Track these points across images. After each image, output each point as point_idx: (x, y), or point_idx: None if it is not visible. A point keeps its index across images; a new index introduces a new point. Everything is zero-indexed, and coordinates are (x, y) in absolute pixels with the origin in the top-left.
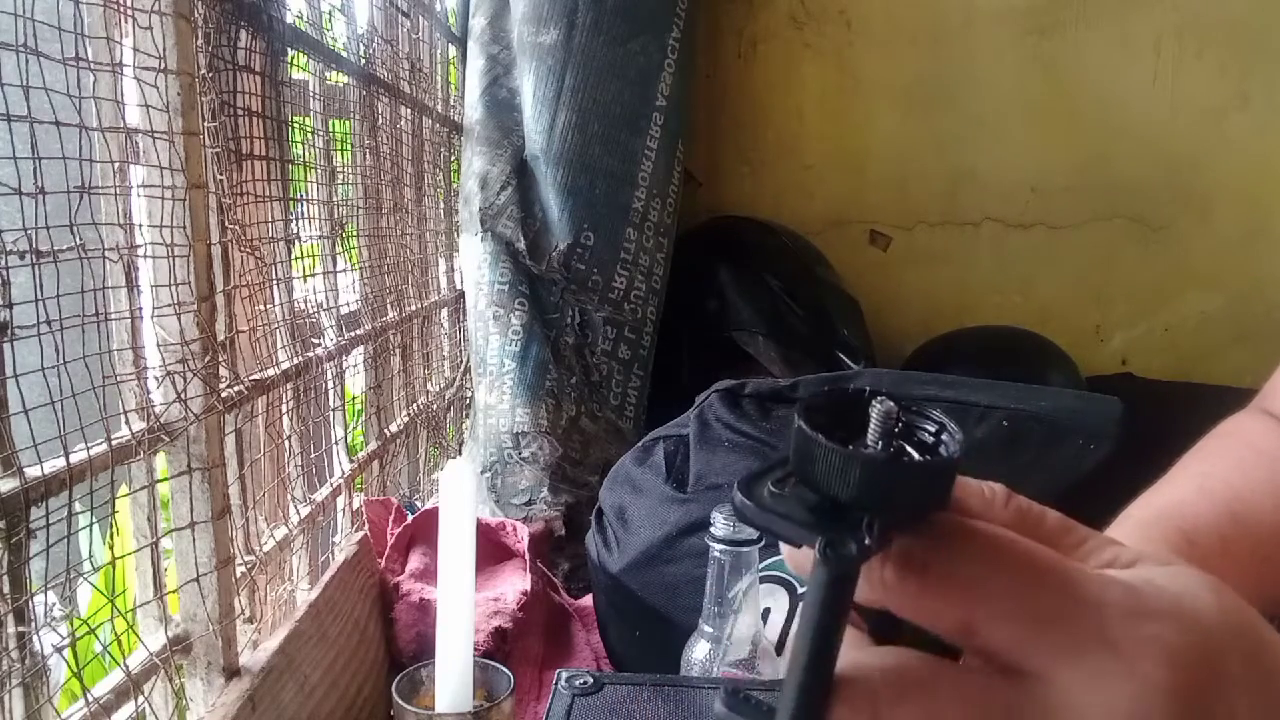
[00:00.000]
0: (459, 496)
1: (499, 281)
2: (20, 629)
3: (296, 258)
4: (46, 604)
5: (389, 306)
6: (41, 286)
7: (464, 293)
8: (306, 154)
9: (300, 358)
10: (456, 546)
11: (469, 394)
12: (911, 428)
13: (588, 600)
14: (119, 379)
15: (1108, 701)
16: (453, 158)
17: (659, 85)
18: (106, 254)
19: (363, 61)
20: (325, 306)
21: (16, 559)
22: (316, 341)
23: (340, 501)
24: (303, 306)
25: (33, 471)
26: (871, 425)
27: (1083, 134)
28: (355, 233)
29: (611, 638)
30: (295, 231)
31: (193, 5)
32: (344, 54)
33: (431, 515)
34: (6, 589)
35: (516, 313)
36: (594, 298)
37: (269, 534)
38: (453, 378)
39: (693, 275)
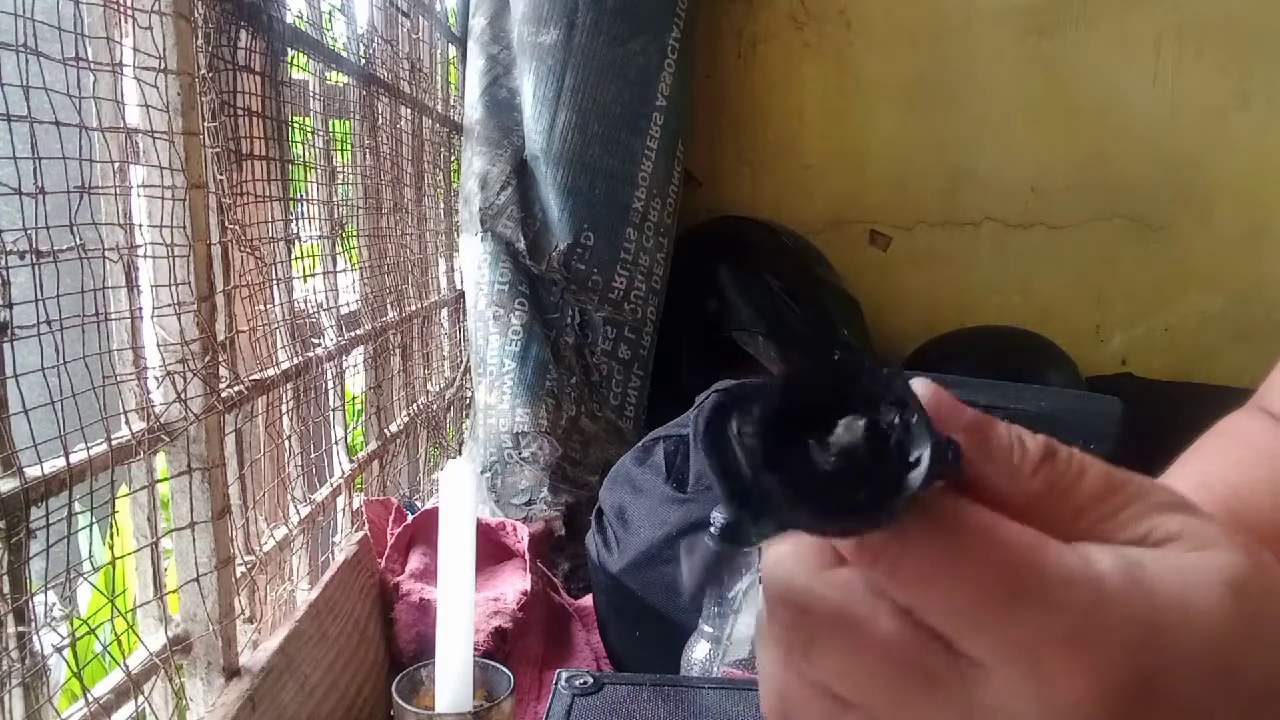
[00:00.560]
0: (459, 496)
1: (499, 281)
2: (20, 629)
3: (296, 258)
4: (46, 604)
5: (389, 306)
6: (41, 286)
7: (464, 293)
8: (306, 154)
9: (300, 358)
10: (456, 546)
11: (469, 394)
12: (882, 433)
13: (588, 600)
14: (119, 379)
15: (1020, 705)
16: (453, 158)
17: (659, 85)
18: (106, 254)
19: (363, 61)
20: (325, 306)
21: (16, 559)
22: (316, 341)
23: (340, 501)
24: (303, 306)
25: (33, 471)
26: (835, 433)
27: (1083, 134)
28: (355, 233)
29: (611, 638)
30: (295, 231)
31: (193, 5)
32: (344, 54)
33: (431, 515)
34: (6, 589)
35: (516, 313)
36: (594, 298)
37: (269, 534)
38: (453, 378)
39: (693, 275)
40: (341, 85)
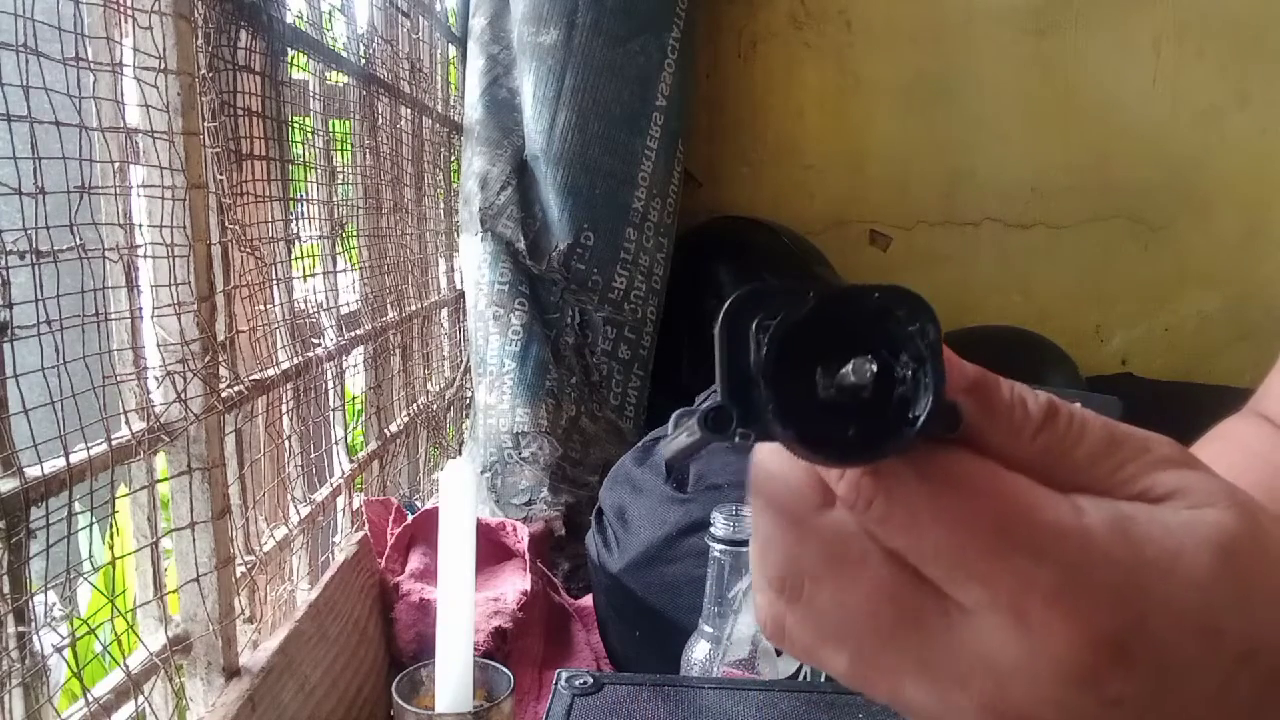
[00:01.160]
0: (459, 496)
1: (499, 281)
2: (20, 629)
3: (296, 258)
4: (46, 604)
5: (389, 306)
6: (41, 286)
7: (464, 293)
8: (306, 154)
9: (300, 358)
10: (456, 546)
11: (469, 394)
12: (893, 376)
13: (588, 600)
14: (119, 379)
15: (1001, 651)
16: (453, 158)
17: (659, 85)
18: (106, 254)
19: (363, 61)
20: (325, 306)
21: (16, 559)
22: (316, 341)
23: (340, 501)
24: (303, 306)
25: (33, 471)
26: (846, 367)
27: (1083, 134)
28: (355, 233)
29: (611, 638)
30: (295, 231)
31: (193, 5)
32: (344, 54)
33: (431, 515)
34: (6, 589)
35: (516, 313)
36: (594, 298)
37: (269, 534)
38: (453, 378)
39: (693, 275)
40: (341, 85)
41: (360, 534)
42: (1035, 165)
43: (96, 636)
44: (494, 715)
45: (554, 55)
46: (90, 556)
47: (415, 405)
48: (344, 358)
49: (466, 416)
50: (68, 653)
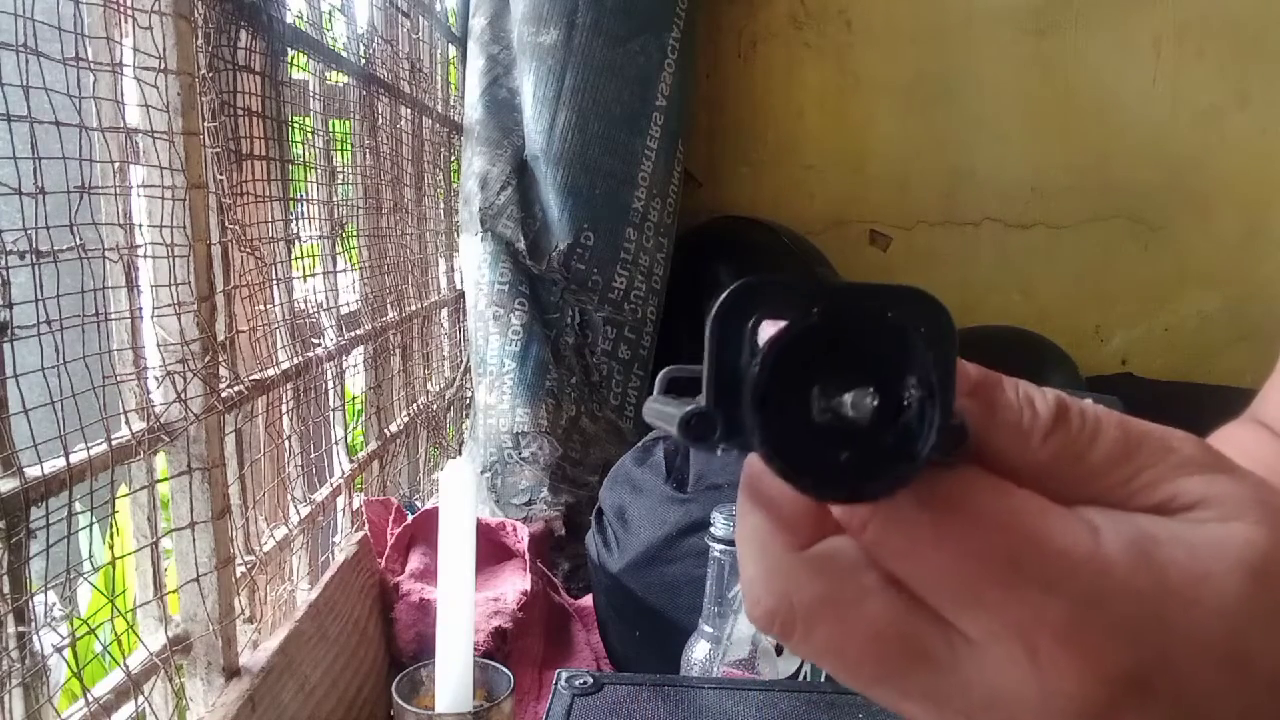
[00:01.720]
0: (459, 496)
1: (499, 281)
2: (20, 629)
3: (296, 258)
4: (46, 604)
5: (389, 306)
6: (41, 286)
7: (464, 293)
8: (306, 154)
9: (300, 358)
10: (456, 546)
11: (469, 394)
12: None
13: (588, 600)
14: (119, 379)
15: (1010, 688)
16: (453, 158)
17: (659, 85)
18: (106, 254)
19: (363, 61)
20: (325, 306)
21: (16, 559)
22: (316, 341)
23: (340, 501)
24: (303, 306)
25: (33, 471)
26: (846, 399)
27: (1083, 134)
28: (355, 233)
29: (611, 638)
30: (295, 231)
31: (193, 5)
32: (344, 54)
33: (431, 515)
34: (6, 589)
35: (516, 313)
36: (594, 298)
37: (269, 534)
38: (453, 378)
39: (693, 275)
40: (341, 85)
41: (360, 534)
42: (1035, 165)
43: (96, 636)
44: (494, 715)
45: (554, 55)
46: (90, 556)
47: (415, 405)
48: (344, 358)
49: (466, 416)
50: (68, 653)
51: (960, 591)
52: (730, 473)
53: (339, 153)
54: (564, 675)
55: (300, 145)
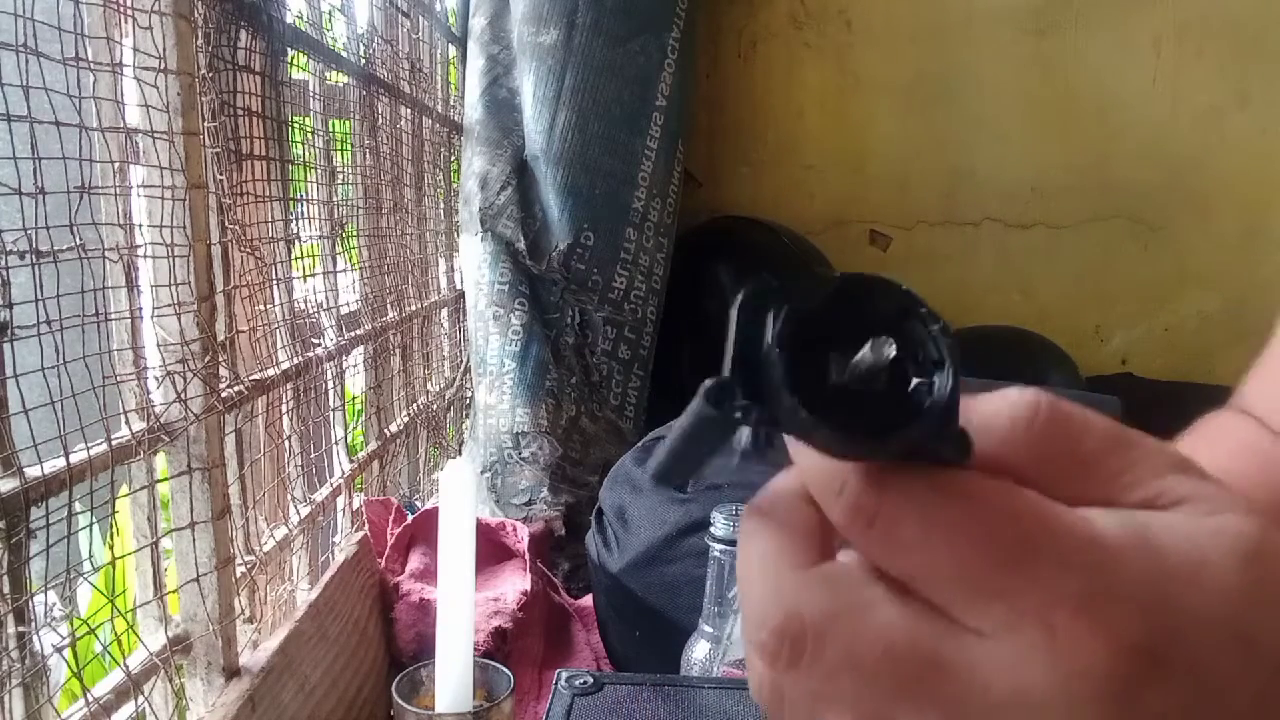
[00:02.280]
0: (459, 496)
1: (499, 281)
2: (20, 629)
3: (296, 258)
4: (46, 604)
5: (389, 306)
6: (41, 286)
7: (464, 293)
8: (306, 154)
9: (300, 358)
10: (456, 546)
11: (469, 394)
12: (906, 363)
13: (588, 600)
14: (119, 379)
15: (1029, 678)
16: (453, 158)
17: (659, 85)
18: (106, 254)
19: (363, 61)
20: (325, 306)
21: (16, 559)
22: (316, 341)
23: (340, 501)
24: (303, 306)
25: (33, 471)
26: (860, 354)
27: (1083, 134)
28: (355, 233)
29: (611, 638)
30: (295, 231)
31: (193, 5)
32: (344, 54)
33: (431, 515)
34: (6, 589)
35: (516, 313)
36: (594, 298)
37: (269, 534)
38: (453, 378)
39: (693, 275)
40: (341, 85)
41: (360, 534)
42: (1035, 165)
43: (96, 636)
44: (494, 715)
45: (554, 55)
46: (90, 556)
47: (415, 405)
48: (344, 358)
49: (466, 416)
50: (68, 653)
51: (972, 577)
52: (730, 473)
53: (339, 153)
54: (564, 675)
55: (300, 145)
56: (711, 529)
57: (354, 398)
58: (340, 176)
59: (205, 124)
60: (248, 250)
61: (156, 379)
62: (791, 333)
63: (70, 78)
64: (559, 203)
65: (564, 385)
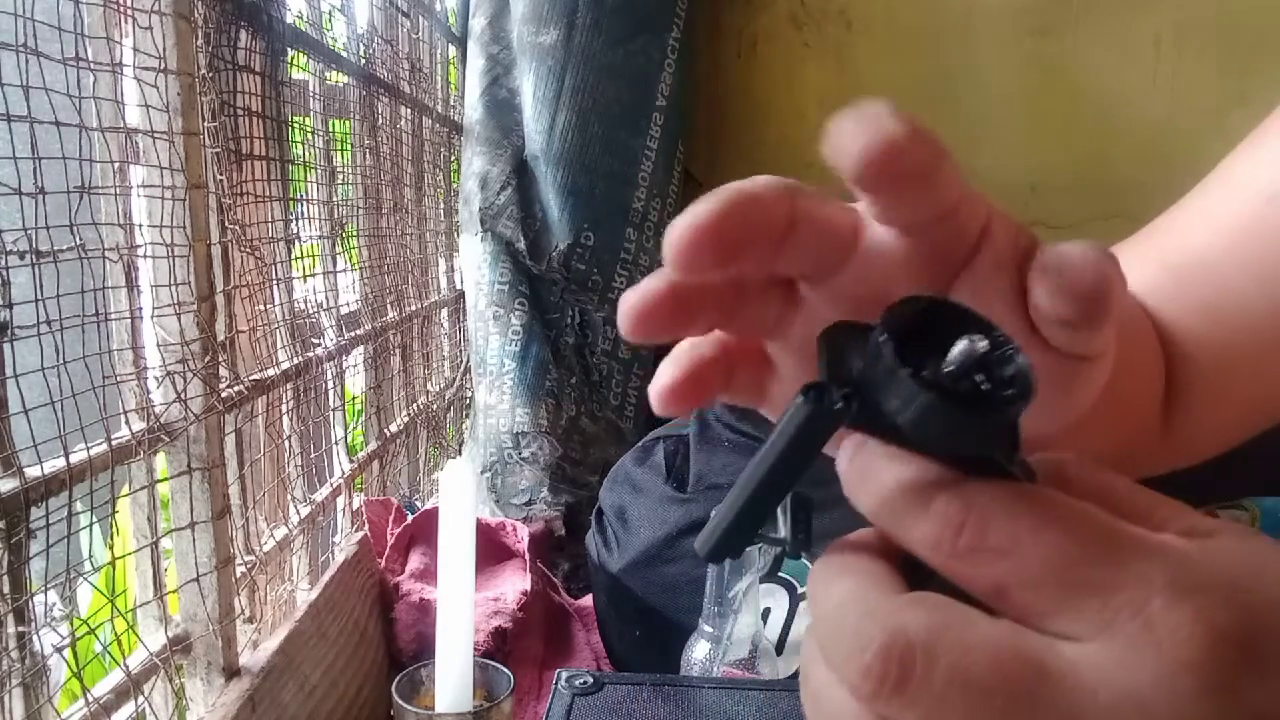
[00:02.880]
0: (459, 496)
1: (499, 281)
2: (20, 629)
3: (296, 258)
4: (46, 604)
5: (389, 306)
6: (41, 286)
7: (464, 293)
8: (306, 154)
9: (300, 358)
10: (456, 546)
11: (469, 394)
12: (990, 364)
13: (588, 600)
14: (119, 379)
15: (1134, 677)
16: (453, 158)
17: (659, 85)
18: (106, 254)
19: (363, 61)
20: (325, 306)
21: (16, 559)
22: (316, 341)
23: (340, 501)
24: (303, 306)
25: (33, 471)
26: (953, 352)
27: (1083, 134)
28: (355, 233)
29: (611, 638)
30: (295, 231)
31: (193, 5)
32: (344, 54)
33: (431, 515)
34: (6, 589)
35: (516, 313)
36: (594, 298)
37: (269, 534)
38: (453, 378)
39: None
40: (341, 85)
41: (360, 534)
42: (1035, 165)
43: (96, 636)
44: (494, 715)
45: (554, 55)
46: (90, 556)
47: (415, 405)
48: (344, 358)
49: (466, 416)
50: (68, 653)
51: (1065, 580)
52: (730, 473)
53: (339, 153)
54: (564, 675)
55: (300, 145)
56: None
57: (354, 398)
58: (340, 176)
59: (205, 124)
60: (248, 250)
61: (156, 379)
62: (895, 327)
63: (70, 78)
64: (559, 203)
65: (564, 385)
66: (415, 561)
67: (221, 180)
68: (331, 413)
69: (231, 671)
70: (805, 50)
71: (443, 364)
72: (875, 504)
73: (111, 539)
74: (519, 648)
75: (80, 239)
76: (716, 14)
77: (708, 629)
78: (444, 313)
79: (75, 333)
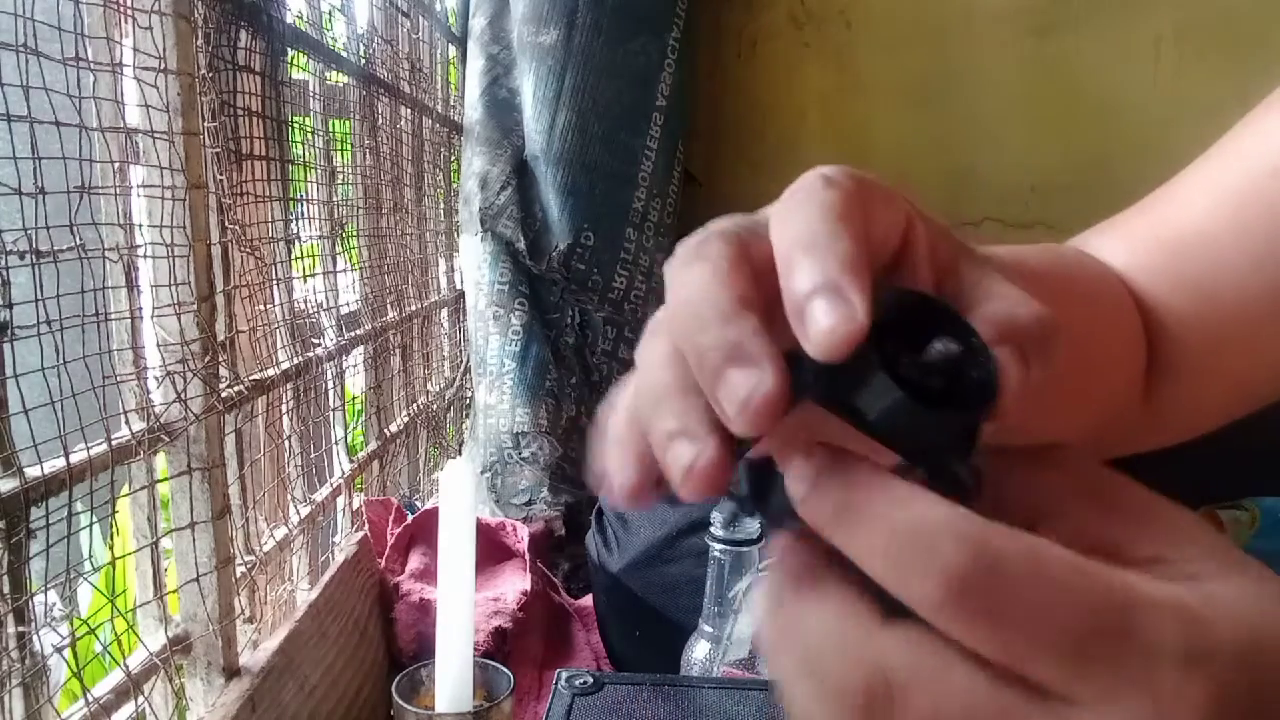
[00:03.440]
0: (459, 496)
1: (499, 281)
2: (20, 629)
3: (296, 258)
4: (46, 604)
5: (389, 306)
6: (41, 286)
7: (464, 293)
8: (306, 154)
9: (300, 358)
10: (456, 546)
11: (469, 394)
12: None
13: (588, 600)
14: (119, 379)
15: None
16: (453, 158)
17: (659, 85)
18: (106, 254)
19: (363, 61)
20: (325, 306)
21: (16, 559)
22: (316, 341)
23: (340, 501)
24: (303, 306)
25: (33, 471)
26: (928, 352)
27: (1083, 134)
28: (355, 233)
29: (611, 638)
30: (295, 231)
31: (193, 5)
32: (344, 54)
33: (431, 515)
34: (6, 589)
35: (516, 313)
36: (594, 298)
37: (269, 534)
38: (453, 378)
39: None
40: (341, 85)
41: (360, 534)
42: (1035, 165)
43: (96, 636)
44: (494, 715)
45: (554, 55)
46: (90, 556)
47: (415, 405)
48: (344, 358)
49: (466, 416)
50: (68, 653)
51: (1074, 651)
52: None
53: (339, 153)
54: (564, 675)
55: (300, 145)
56: (711, 529)
57: (354, 398)
58: (340, 176)
59: (205, 124)
60: (248, 250)
61: (156, 379)
62: (878, 317)
63: (70, 78)
64: (559, 203)
65: (564, 385)
66: (415, 561)
67: (221, 180)
68: (331, 413)
69: (231, 671)
70: (805, 50)
71: (443, 364)
72: (872, 543)
73: (111, 539)
74: (519, 648)
75: (80, 239)
76: (716, 14)
77: (708, 629)
78: (444, 313)
79: (75, 333)
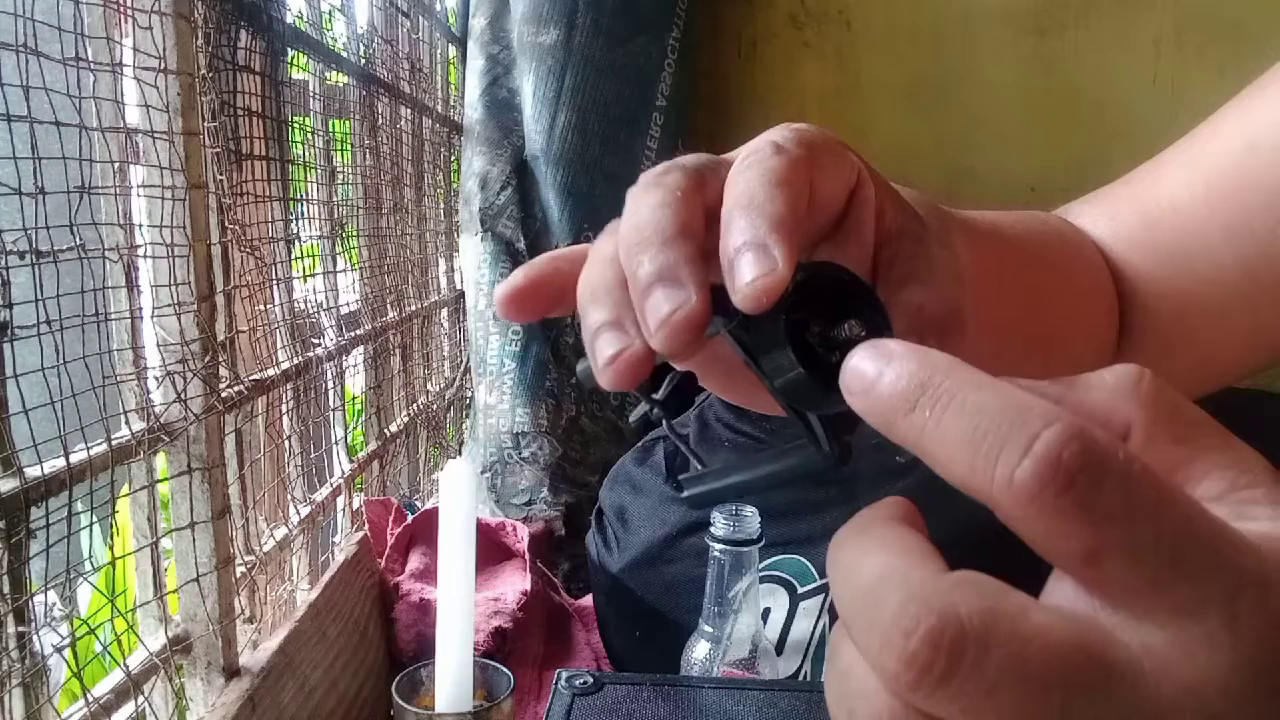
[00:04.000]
0: (459, 496)
1: (499, 281)
2: (20, 629)
3: (296, 258)
4: (46, 604)
5: (389, 306)
6: (41, 286)
7: (464, 293)
8: (306, 154)
9: (300, 358)
10: (456, 546)
11: (469, 394)
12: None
13: (588, 600)
14: (119, 379)
15: (1202, 672)
16: (453, 158)
17: (659, 85)
18: (106, 254)
19: (363, 61)
20: (325, 306)
21: (16, 559)
22: (316, 341)
23: (340, 501)
24: (303, 306)
25: (33, 471)
26: (837, 331)
27: (1083, 134)
28: (355, 233)
29: (611, 638)
30: (295, 231)
31: (193, 5)
32: (344, 54)
33: (431, 515)
34: (6, 589)
35: None
36: None
37: (269, 534)
38: (453, 378)
39: None
40: (341, 85)
41: (360, 534)
42: (1035, 165)
43: (96, 636)
44: (494, 715)
45: (554, 55)
46: (90, 556)
47: (415, 405)
48: (344, 358)
49: (466, 416)
50: (68, 653)
51: (1168, 560)
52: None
53: (339, 153)
54: (564, 675)
55: (300, 145)
56: (711, 529)
57: (354, 398)
58: (340, 176)
59: (205, 124)
60: (248, 250)
61: (156, 379)
62: (804, 283)
63: (70, 78)
64: (559, 203)
65: (564, 385)
66: (415, 561)
67: (221, 180)
68: (331, 413)
69: (231, 671)
70: (805, 50)
71: (443, 364)
72: (960, 424)
73: (111, 539)
74: (519, 648)
75: (80, 239)
76: (716, 14)
77: (708, 629)
78: (444, 313)
79: (75, 333)
